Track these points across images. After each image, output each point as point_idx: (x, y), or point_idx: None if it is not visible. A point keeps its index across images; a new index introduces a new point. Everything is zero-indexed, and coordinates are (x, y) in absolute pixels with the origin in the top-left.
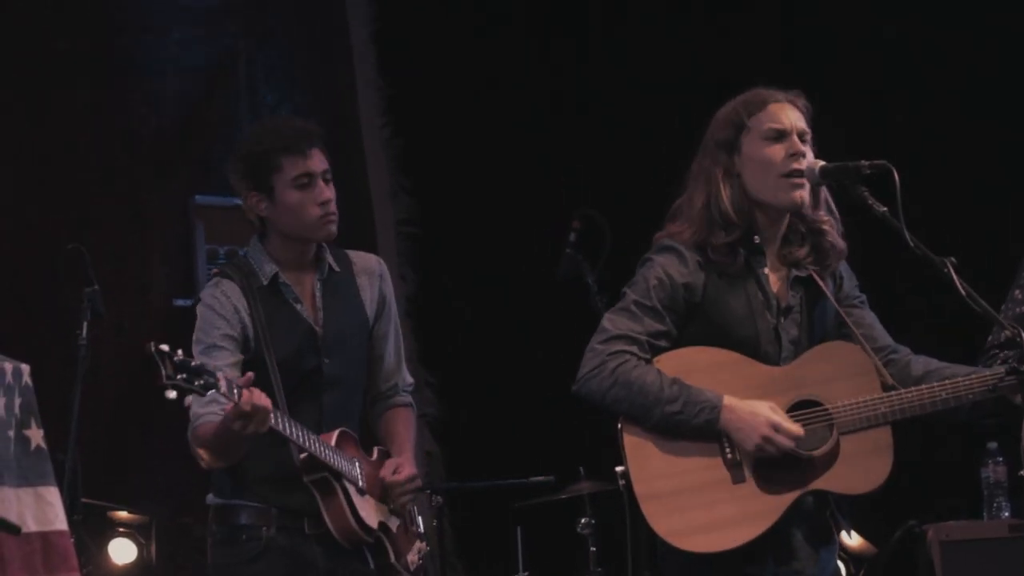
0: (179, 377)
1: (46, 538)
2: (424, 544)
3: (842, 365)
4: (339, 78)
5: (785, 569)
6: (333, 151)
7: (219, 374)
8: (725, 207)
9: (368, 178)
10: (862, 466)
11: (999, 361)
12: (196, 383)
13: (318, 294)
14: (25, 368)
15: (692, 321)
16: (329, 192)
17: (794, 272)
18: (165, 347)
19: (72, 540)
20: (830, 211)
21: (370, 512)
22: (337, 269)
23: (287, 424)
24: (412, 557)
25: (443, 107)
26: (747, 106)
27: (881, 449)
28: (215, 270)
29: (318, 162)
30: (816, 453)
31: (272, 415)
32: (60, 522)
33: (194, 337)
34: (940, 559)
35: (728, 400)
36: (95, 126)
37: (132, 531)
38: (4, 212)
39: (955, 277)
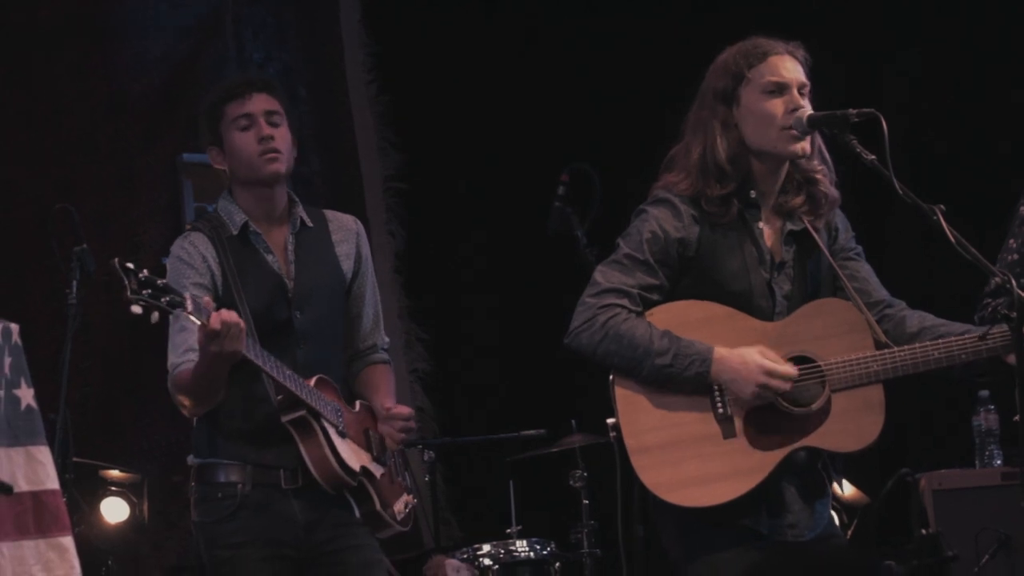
0: (144, 292)
1: (37, 497)
2: (412, 497)
3: (835, 322)
4: (326, 35)
5: (779, 522)
6: (321, 109)
7: (185, 293)
8: (720, 158)
9: (356, 135)
10: (853, 424)
11: (990, 310)
12: (162, 300)
13: (290, 247)
14: (14, 327)
15: (686, 274)
16: (269, 129)
17: (788, 226)
18: (131, 264)
19: (64, 499)
20: (823, 160)
21: (351, 455)
22: (311, 225)
23: (264, 357)
24: (399, 507)
25: (430, 63)
26: (747, 57)
27: (872, 407)
28: (187, 225)
29: (259, 104)
30: (808, 410)
31: (246, 339)
32: (52, 481)
33: None
34: (933, 507)
35: (718, 351)
36: (82, 86)
37: (124, 490)
38: None
39: (944, 224)
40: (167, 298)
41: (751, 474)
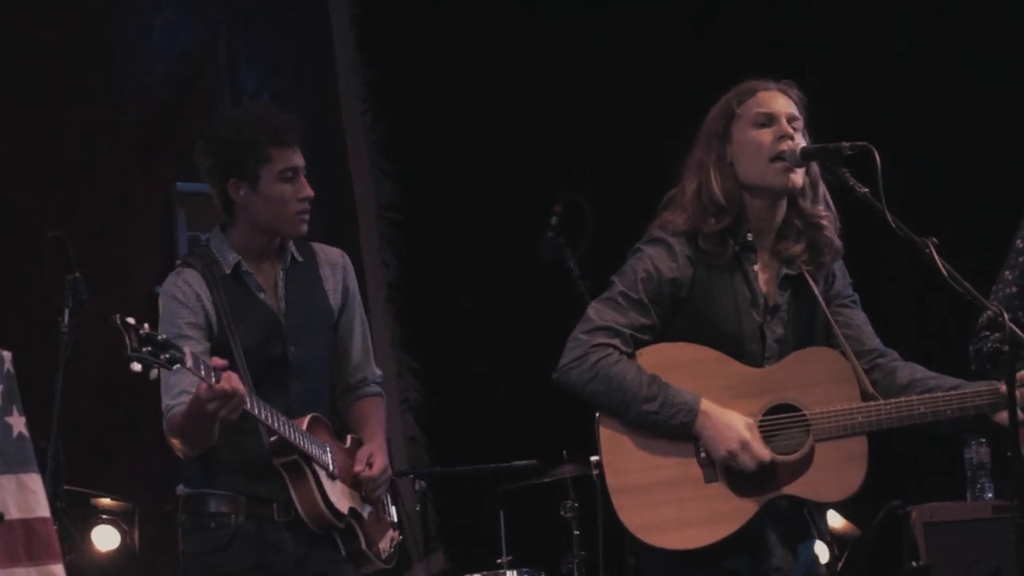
0: (144, 350)
1: (28, 525)
2: (397, 533)
3: (823, 370)
4: (320, 63)
5: (763, 565)
6: (314, 137)
7: (185, 349)
8: (715, 192)
9: (349, 164)
10: (835, 474)
11: (988, 343)
12: (162, 356)
13: (281, 283)
14: (7, 355)
15: (679, 315)
16: (309, 189)
17: (784, 270)
18: (132, 320)
19: (55, 527)
20: (828, 207)
21: (340, 497)
22: (300, 259)
23: (260, 407)
24: (384, 545)
25: (425, 92)
26: (737, 95)
27: (855, 458)
28: (179, 260)
29: (300, 158)
30: (790, 458)
31: (247, 399)
32: (43, 509)
33: (159, 328)
34: (924, 540)
35: (705, 405)
36: (79, 112)
37: (115, 518)
38: None
39: (937, 258)
40: (167, 354)
41: (730, 520)
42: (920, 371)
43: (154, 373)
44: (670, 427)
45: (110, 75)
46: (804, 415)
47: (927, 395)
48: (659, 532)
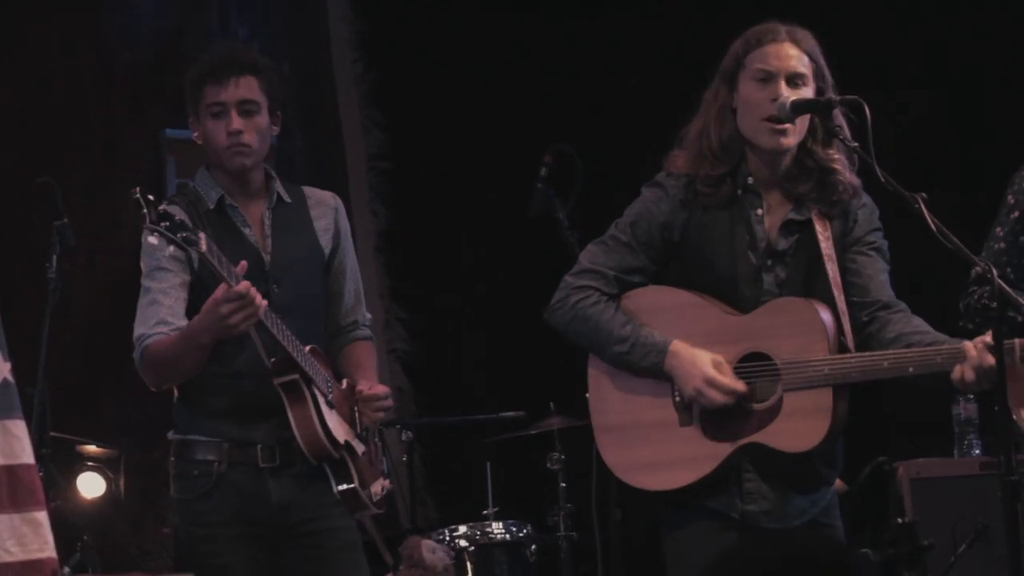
0: (163, 224)
1: (12, 472)
2: (388, 482)
3: (792, 320)
4: (311, 12)
5: (752, 508)
6: (304, 86)
7: (200, 233)
8: (714, 141)
9: (340, 112)
10: (798, 425)
11: (975, 298)
12: (179, 235)
13: (267, 222)
14: None
15: (673, 259)
16: (239, 122)
17: (792, 214)
18: (151, 195)
19: (40, 474)
20: (843, 148)
21: (338, 427)
22: (288, 200)
23: (268, 315)
24: (376, 489)
25: (416, 42)
26: (747, 42)
27: (820, 411)
28: (165, 200)
29: (234, 92)
30: (758, 407)
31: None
32: (27, 456)
33: (141, 263)
34: (910, 496)
35: (675, 346)
36: (67, 60)
37: (101, 465)
38: None
39: (926, 213)
40: (183, 234)
41: (702, 463)
42: (913, 326)
43: (170, 250)
44: (641, 368)
45: (99, 23)
46: (775, 364)
47: (893, 351)
48: (636, 472)
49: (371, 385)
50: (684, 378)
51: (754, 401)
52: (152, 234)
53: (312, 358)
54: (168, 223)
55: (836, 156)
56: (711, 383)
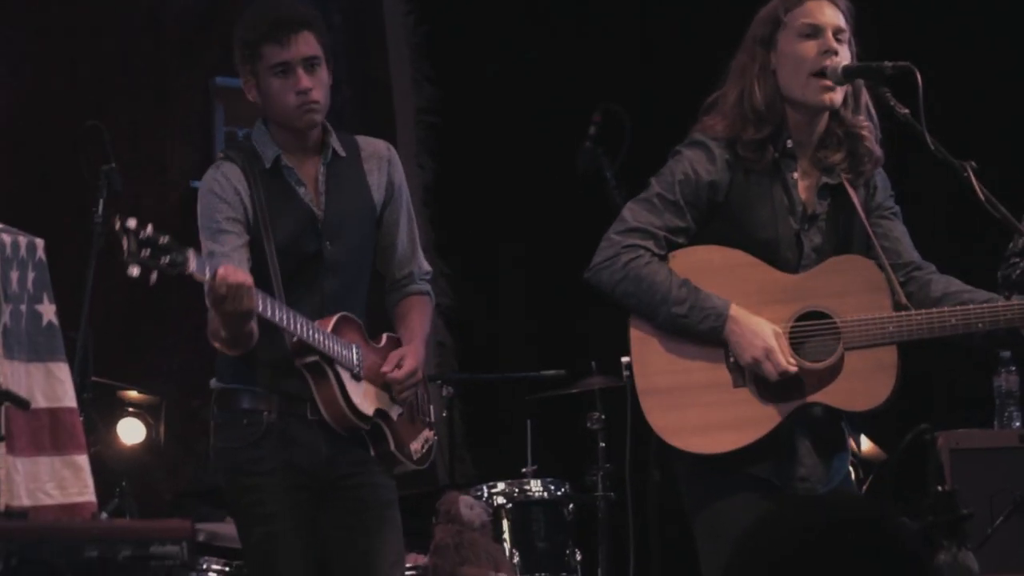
0: (143, 253)
1: (54, 414)
2: (433, 433)
3: (855, 279)
4: None
5: (790, 473)
6: (356, 38)
7: (189, 252)
8: (757, 102)
9: (390, 66)
10: (864, 383)
11: (1018, 271)
12: (162, 260)
13: (322, 178)
14: (39, 243)
15: (714, 219)
16: (308, 81)
17: (825, 179)
18: (132, 223)
19: (81, 418)
20: (870, 117)
21: (365, 399)
22: (343, 154)
23: (272, 307)
24: (416, 446)
25: None
26: (785, 2)
27: (885, 368)
28: (220, 153)
29: (297, 50)
30: (819, 366)
31: (257, 297)
32: (69, 399)
33: (199, 223)
34: (950, 466)
35: (735, 311)
36: (119, 7)
37: (141, 411)
38: (27, 87)
39: (975, 181)
40: (167, 258)
41: (755, 426)
42: (955, 284)
43: (153, 277)
44: (698, 331)
45: None
46: (835, 323)
47: (959, 307)
48: (683, 435)
49: (398, 360)
50: (743, 346)
51: (812, 360)
52: (133, 265)
53: (337, 333)
54: (151, 249)
55: (864, 123)
56: (771, 355)
